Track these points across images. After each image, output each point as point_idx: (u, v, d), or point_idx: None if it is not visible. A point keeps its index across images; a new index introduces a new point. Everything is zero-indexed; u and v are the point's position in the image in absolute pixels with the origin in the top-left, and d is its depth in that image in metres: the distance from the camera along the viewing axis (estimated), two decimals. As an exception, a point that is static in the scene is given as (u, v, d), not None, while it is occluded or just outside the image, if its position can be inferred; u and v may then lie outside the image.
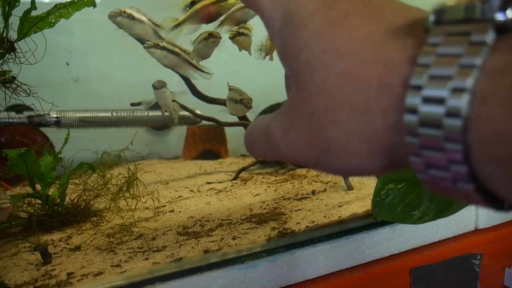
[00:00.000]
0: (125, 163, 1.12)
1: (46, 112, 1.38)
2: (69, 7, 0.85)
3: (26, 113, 1.36)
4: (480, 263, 1.01)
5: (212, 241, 0.81)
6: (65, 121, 1.41)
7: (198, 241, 0.82)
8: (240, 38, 0.97)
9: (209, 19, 0.91)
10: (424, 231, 0.96)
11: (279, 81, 1.63)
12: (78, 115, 1.43)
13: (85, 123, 1.44)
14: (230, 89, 0.98)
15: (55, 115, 1.40)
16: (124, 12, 0.95)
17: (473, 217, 1.04)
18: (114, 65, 1.61)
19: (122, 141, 1.17)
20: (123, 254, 0.78)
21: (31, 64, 0.86)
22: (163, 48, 0.97)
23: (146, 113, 1.54)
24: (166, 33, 0.95)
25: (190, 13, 0.89)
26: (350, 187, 1.05)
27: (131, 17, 0.96)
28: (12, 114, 1.32)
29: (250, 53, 1.03)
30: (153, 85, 1.07)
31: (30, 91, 0.84)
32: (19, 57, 0.85)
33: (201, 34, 0.99)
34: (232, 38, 0.97)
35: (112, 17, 0.98)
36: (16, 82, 0.83)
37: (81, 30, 1.54)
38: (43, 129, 1.38)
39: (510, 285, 1.06)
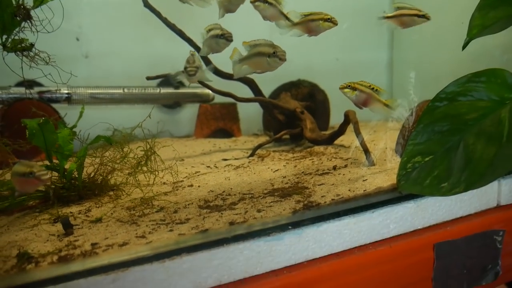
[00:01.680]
0: (138, 141, 1.09)
1: (57, 88, 1.36)
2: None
3: (36, 89, 1.33)
4: (502, 240, 1.00)
5: (236, 214, 0.79)
6: (76, 97, 1.38)
7: (222, 214, 0.80)
8: (261, 5, 0.92)
9: None
10: (447, 207, 0.94)
11: (292, 59, 1.60)
12: (89, 91, 1.41)
13: (96, 99, 1.41)
14: (254, 44, 0.91)
15: (66, 91, 1.37)
16: None
17: (495, 193, 1.02)
18: (125, 41, 1.58)
19: (131, 119, 1.14)
20: (146, 226, 0.76)
21: (48, 32, 0.83)
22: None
23: (158, 90, 1.51)
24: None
25: None
26: (372, 163, 1.03)
27: None
28: (23, 89, 1.29)
29: (278, 26, 0.98)
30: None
31: (49, 59, 0.81)
32: (36, 26, 0.81)
33: (211, 27, 0.96)
34: (253, 2, 0.92)
35: None
36: (34, 50, 0.80)
37: (89, 5, 1.50)
38: (54, 106, 1.36)
39: (531, 263, 1.05)
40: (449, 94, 0.85)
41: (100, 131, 1.12)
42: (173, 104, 1.64)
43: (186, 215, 0.80)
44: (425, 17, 0.96)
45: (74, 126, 1.03)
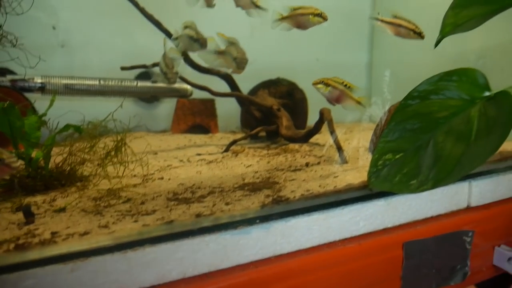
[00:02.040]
0: (112, 134, 1.07)
1: (31, 77, 1.32)
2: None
3: (9, 77, 1.30)
4: (471, 241, 1.01)
5: (204, 206, 0.78)
6: (50, 87, 1.35)
7: (189, 206, 0.79)
8: None
9: None
10: (418, 206, 0.95)
11: (271, 58, 1.61)
12: (64, 81, 1.38)
13: (71, 90, 1.38)
14: (232, 44, 0.90)
15: (39, 81, 1.34)
16: None
17: (466, 194, 1.03)
18: (104, 32, 1.55)
19: (108, 112, 1.12)
20: (111, 216, 0.75)
21: (18, 14, 0.81)
22: None
23: (135, 84, 1.49)
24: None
25: None
26: (344, 161, 1.03)
27: None
28: (-6, 77, 1.26)
29: (248, 14, 0.98)
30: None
31: (16, 41, 0.79)
32: (5, 7, 0.79)
33: (187, 24, 0.95)
34: None
35: None
36: (1, 31, 0.78)
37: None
38: (27, 95, 1.33)
39: (499, 264, 1.07)
40: (422, 92, 0.86)
41: (74, 123, 1.10)
42: (150, 98, 1.62)
43: (153, 207, 0.79)
44: (420, 35, 0.97)
45: (44, 114, 1.00)
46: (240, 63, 0.87)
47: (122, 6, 1.24)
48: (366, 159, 1.05)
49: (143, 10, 1.16)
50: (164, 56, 1.08)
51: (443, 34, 0.80)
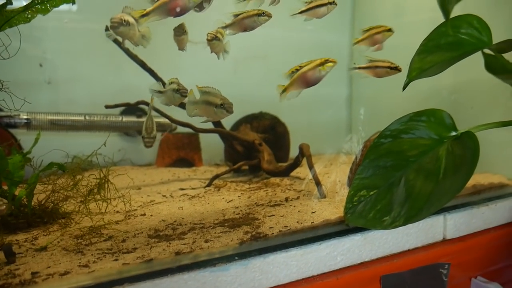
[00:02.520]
0: (96, 169, 1.09)
1: (16, 113, 1.35)
2: (47, 3, 0.84)
3: (-6, 113, 1.32)
4: (448, 273, 1.03)
5: (184, 244, 0.80)
6: (35, 123, 1.37)
7: (170, 243, 0.80)
8: (216, 42, 0.98)
9: (176, 13, 0.91)
10: (394, 240, 0.97)
11: (254, 93, 1.65)
12: (49, 117, 1.40)
13: (56, 126, 1.40)
14: (205, 92, 0.95)
15: (25, 117, 1.36)
16: (125, 20, 0.91)
17: (441, 227, 1.06)
18: (89, 68, 1.59)
19: (93, 147, 1.14)
20: (92, 255, 0.76)
21: (3, 58, 0.84)
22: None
23: (120, 119, 1.51)
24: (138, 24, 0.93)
25: (157, 5, 0.88)
26: (323, 195, 1.06)
27: (128, 24, 0.93)
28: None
29: (218, 58, 1.04)
30: None
31: (2, 85, 0.82)
32: (-7, 51, 0.82)
33: (172, 81, 1.00)
34: (210, 40, 0.97)
35: (114, 28, 0.92)
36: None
37: (56, 31, 1.52)
38: (12, 131, 1.34)
39: (476, 295, 1.09)
40: (393, 131, 0.90)
41: (59, 158, 1.12)
42: (135, 132, 1.64)
43: (134, 245, 0.80)
44: (397, 69, 1.03)
45: (28, 152, 1.02)
46: (229, 107, 0.92)
47: (108, 43, 1.28)
48: (343, 194, 1.08)
49: (128, 51, 1.20)
50: (148, 118, 1.12)
51: (409, 78, 0.85)
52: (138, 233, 0.87)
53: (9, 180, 0.89)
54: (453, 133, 0.85)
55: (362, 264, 0.92)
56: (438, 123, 0.86)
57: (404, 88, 0.85)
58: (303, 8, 1.10)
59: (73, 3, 0.91)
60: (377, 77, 1.10)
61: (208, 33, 0.98)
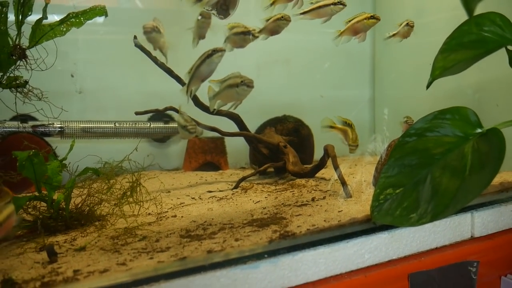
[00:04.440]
0: (127, 174, 1.13)
1: (50, 122, 1.41)
2: (80, 16, 0.89)
3: (31, 123, 1.38)
4: (477, 271, 1.03)
5: (215, 243, 0.82)
6: (68, 131, 1.43)
7: (201, 242, 0.83)
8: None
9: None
10: (421, 238, 0.98)
11: (277, 96, 1.68)
12: (81, 125, 1.46)
13: (88, 133, 1.46)
14: (223, 80, 0.97)
15: (59, 125, 1.42)
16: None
17: (469, 225, 1.06)
18: (118, 77, 1.65)
19: (123, 153, 1.19)
20: (128, 254, 0.80)
21: (42, 70, 0.89)
22: None
23: (148, 125, 1.56)
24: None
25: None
26: (349, 195, 1.08)
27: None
28: (17, 123, 1.34)
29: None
30: None
31: (42, 95, 0.87)
32: (30, 64, 0.87)
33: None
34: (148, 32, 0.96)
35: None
36: (28, 86, 0.86)
37: (85, 43, 1.58)
38: (47, 139, 1.40)
39: (506, 294, 1.08)
40: (418, 130, 0.91)
41: (91, 164, 1.17)
42: (163, 138, 1.69)
43: (167, 244, 0.84)
44: (341, 3, 1.11)
45: (64, 158, 1.07)
46: (249, 83, 0.93)
47: (136, 52, 1.32)
48: (369, 193, 1.09)
49: (155, 59, 1.24)
50: (180, 113, 1.16)
51: (433, 77, 0.86)
52: (170, 233, 0.90)
53: (48, 185, 0.93)
54: (478, 130, 0.86)
55: (390, 262, 0.93)
56: (463, 120, 0.87)
57: (428, 87, 0.86)
58: (306, 9, 1.13)
59: (106, 15, 0.95)
60: (322, 18, 1.13)
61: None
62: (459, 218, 1.04)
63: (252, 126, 1.58)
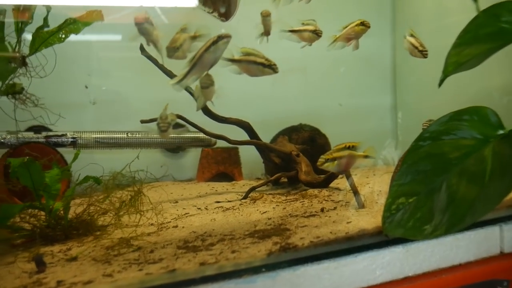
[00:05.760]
0: (139, 185, 1.11)
1: (63, 133, 1.41)
2: (78, 22, 0.87)
3: (44, 133, 1.39)
4: (507, 291, 0.93)
5: (210, 255, 0.77)
6: (81, 142, 1.43)
7: (196, 254, 0.79)
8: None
9: None
10: (441, 252, 0.89)
11: (294, 105, 1.63)
12: (94, 135, 1.46)
13: (100, 143, 1.45)
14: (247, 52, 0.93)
15: (71, 136, 1.43)
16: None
17: (497, 239, 0.96)
18: (133, 87, 1.65)
19: (137, 162, 1.17)
20: (118, 265, 0.76)
21: (41, 77, 0.88)
22: None
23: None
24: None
25: None
26: (361, 205, 1.00)
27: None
28: (31, 134, 1.35)
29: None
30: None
31: (38, 101, 0.85)
32: (30, 72, 0.86)
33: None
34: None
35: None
36: (25, 93, 0.85)
37: (99, 54, 1.59)
38: (61, 149, 1.41)
39: (542, 317, 0.97)
40: (432, 133, 0.83)
41: (100, 174, 1.14)
42: (176, 148, 1.67)
43: (161, 255, 0.79)
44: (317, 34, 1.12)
45: (69, 167, 1.06)
46: (275, 68, 0.90)
47: (147, 63, 1.31)
48: (383, 203, 1.01)
49: (163, 67, 1.22)
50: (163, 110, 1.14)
51: (445, 74, 0.79)
52: (167, 244, 0.86)
53: (46, 193, 0.91)
54: (500, 132, 0.77)
55: (406, 280, 0.85)
56: (482, 121, 0.79)
57: (440, 85, 0.78)
58: (294, 28, 1.15)
59: (102, 20, 0.94)
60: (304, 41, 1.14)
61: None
62: (486, 232, 0.94)
63: (267, 136, 1.54)
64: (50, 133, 1.40)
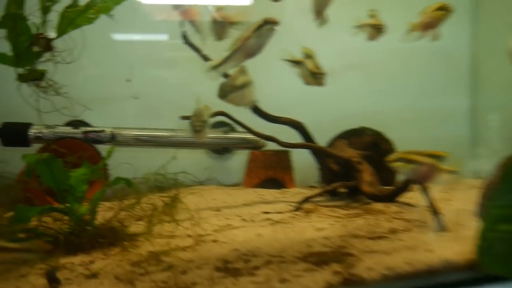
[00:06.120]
0: (181, 187, 0.99)
1: (102, 129, 1.32)
2: (108, 1, 0.76)
3: (82, 129, 1.31)
4: None
5: (254, 283, 0.62)
6: (120, 139, 1.33)
7: (237, 280, 0.64)
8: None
9: None
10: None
11: (353, 105, 1.46)
12: (134, 133, 1.35)
13: (141, 141, 1.35)
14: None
15: (110, 132, 1.33)
16: None
17: None
18: (175, 83, 1.54)
19: (177, 163, 1.05)
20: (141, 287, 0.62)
21: (66, 63, 0.77)
22: None
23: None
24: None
25: None
26: (442, 228, 0.81)
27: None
28: (68, 128, 1.27)
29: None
30: None
31: (60, 89, 0.75)
32: (56, 56, 0.76)
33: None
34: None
35: None
36: (47, 80, 0.74)
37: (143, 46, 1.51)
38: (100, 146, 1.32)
39: None
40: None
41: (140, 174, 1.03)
42: (222, 150, 1.54)
43: (194, 279, 0.65)
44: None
45: (100, 166, 0.95)
46: (319, 77, 0.82)
47: (193, 56, 1.21)
48: (471, 226, 0.82)
49: (206, 57, 1.10)
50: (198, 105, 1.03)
51: None
52: (203, 264, 0.72)
53: (70, 196, 0.80)
54: None
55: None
56: None
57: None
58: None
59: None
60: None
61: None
62: None
63: (323, 139, 1.37)
64: (89, 129, 1.31)
